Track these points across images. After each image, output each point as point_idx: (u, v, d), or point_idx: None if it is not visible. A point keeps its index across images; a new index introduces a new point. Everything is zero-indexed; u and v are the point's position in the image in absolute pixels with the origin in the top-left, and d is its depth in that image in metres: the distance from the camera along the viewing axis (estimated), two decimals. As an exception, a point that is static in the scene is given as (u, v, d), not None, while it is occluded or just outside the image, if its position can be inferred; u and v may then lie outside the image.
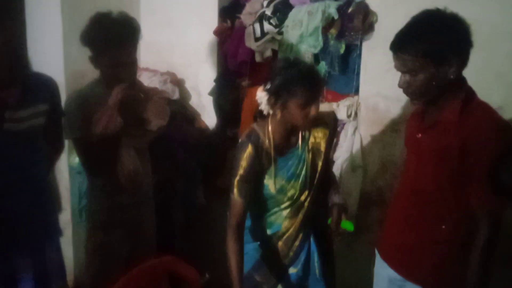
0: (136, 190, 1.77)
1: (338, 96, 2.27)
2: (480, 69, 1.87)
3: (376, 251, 1.63)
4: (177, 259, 1.49)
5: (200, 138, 2.62)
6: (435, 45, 1.28)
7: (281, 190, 1.60)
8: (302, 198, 1.63)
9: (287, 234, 1.65)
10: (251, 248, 1.66)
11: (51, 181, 2.21)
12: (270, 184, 1.59)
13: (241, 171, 1.54)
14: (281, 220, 1.64)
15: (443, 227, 1.38)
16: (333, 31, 2.10)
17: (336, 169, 2.21)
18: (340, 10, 2.11)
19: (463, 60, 1.32)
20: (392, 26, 2.10)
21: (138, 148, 1.77)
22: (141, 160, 1.80)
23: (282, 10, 2.26)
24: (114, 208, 1.78)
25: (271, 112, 1.53)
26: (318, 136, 1.63)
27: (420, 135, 1.44)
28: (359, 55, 2.18)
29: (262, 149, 1.56)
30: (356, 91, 2.25)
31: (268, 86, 1.50)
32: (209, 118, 2.71)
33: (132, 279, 1.38)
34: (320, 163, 1.64)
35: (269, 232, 1.67)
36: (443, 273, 1.40)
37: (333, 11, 2.09)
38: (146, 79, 2.61)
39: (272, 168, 1.58)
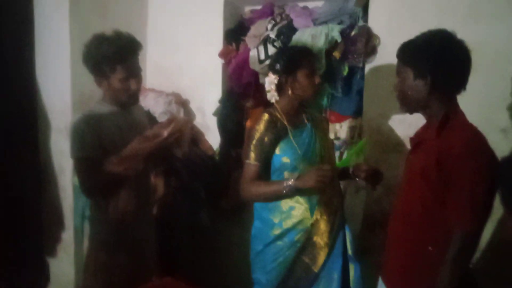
0: (130, 223, 1.76)
1: (341, 117, 2.29)
2: (484, 92, 1.89)
3: None
4: (177, 281, 1.48)
5: (204, 158, 2.63)
6: (416, 58, 1.37)
7: (303, 159, 1.71)
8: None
9: (325, 203, 1.74)
10: (293, 236, 1.72)
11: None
12: (291, 154, 1.71)
13: (258, 135, 1.71)
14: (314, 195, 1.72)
15: (430, 248, 1.37)
16: (336, 54, 2.13)
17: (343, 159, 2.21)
18: (343, 33, 2.14)
19: (441, 82, 1.36)
20: (395, 49, 2.13)
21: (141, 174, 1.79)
22: (143, 184, 1.82)
23: (286, 33, 2.30)
24: (115, 230, 1.77)
25: (277, 99, 1.76)
26: (319, 123, 1.86)
27: (411, 155, 1.47)
28: (362, 77, 2.20)
29: (277, 118, 1.74)
30: (359, 113, 2.26)
31: (277, 68, 1.73)
32: (213, 138, 2.73)
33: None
34: (328, 145, 1.84)
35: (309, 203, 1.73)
36: None
37: (336, 35, 2.13)
38: (151, 100, 2.65)
39: (290, 136, 1.72)
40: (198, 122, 2.81)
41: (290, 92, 1.72)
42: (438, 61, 1.34)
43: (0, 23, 2.36)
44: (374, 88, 2.19)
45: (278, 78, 1.72)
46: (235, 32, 2.60)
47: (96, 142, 1.65)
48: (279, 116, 1.75)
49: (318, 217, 1.71)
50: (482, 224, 1.33)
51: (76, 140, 1.68)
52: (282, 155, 1.71)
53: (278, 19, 2.38)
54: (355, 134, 2.25)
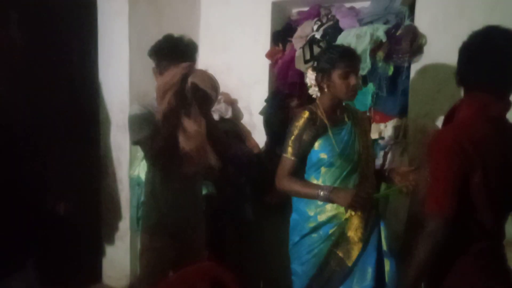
0: (197, 169, 1.92)
1: (386, 117, 2.28)
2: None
3: None
4: (218, 266, 1.56)
5: (250, 155, 2.72)
6: None
7: (341, 156, 1.76)
8: (358, 169, 1.78)
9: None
10: (327, 229, 1.78)
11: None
12: (329, 150, 1.76)
13: (296, 131, 1.78)
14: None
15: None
16: (380, 54, 2.14)
17: (383, 190, 2.22)
18: (389, 33, 2.15)
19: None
20: (441, 48, 2.13)
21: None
22: (192, 186, 1.97)
23: (332, 33, 2.34)
24: (163, 217, 1.91)
25: (319, 94, 1.83)
26: (360, 121, 1.88)
27: None
28: (408, 77, 2.19)
29: (317, 115, 1.80)
30: (404, 113, 2.25)
31: (315, 65, 1.82)
32: (260, 136, 2.82)
33: (175, 281, 1.48)
34: (368, 143, 1.85)
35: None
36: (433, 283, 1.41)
37: (381, 34, 2.14)
38: (201, 99, 2.78)
39: (329, 134, 1.77)
40: (245, 121, 2.91)
41: (326, 90, 1.78)
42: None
43: (67, 28, 2.60)
44: (420, 88, 2.17)
45: (315, 74, 1.79)
46: (282, 33, 2.68)
47: (150, 124, 1.82)
48: (319, 113, 1.80)
49: (352, 212, 1.74)
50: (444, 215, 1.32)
51: (132, 127, 1.87)
52: (320, 151, 1.77)
53: (324, 20, 2.43)
54: (400, 134, 2.25)
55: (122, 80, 2.67)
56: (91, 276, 2.96)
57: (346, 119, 1.84)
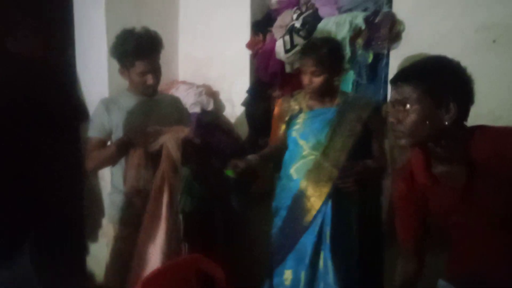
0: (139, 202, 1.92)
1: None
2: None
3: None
4: (204, 258, 1.57)
5: (233, 147, 2.71)
6: (438, 85, 1.22)
7: (301, 137, 1.92)
8: (314, 155, 1.88)
9: (307, 191, 1.88)
10: (283, 207, 1.96)
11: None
12: (296, 130, 1.95)
13: (273, 120, 2.10)
14: (302, 173, 1.89)
15: None
16: (360, 41, 2.15)
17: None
18: (368, 20, 2.16)
19: (461, 112, 1.23)
20: (419, 34, 2.15)
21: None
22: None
23: (311, 22, 2.33)
24: (129, 207, 1.95)
25: None
26: (356, 109, 1.91)
27: (470, 193, 1.26)
28: (387, 64, 2.20)
29: (292, 102, 2.02)
30: (384, 100, 2.27)
31: None
32: (242, 128, 2.81)
33: (162, 273, 1.48)
34: (349, 133, 1.87)
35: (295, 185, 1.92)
36: None
37: (360, 21, 2.15)
38: (183, 91, 2.76)
39: (302, 115, 1.96)
40: (227, 112, 2.90)
41: None
42: (458, 87, 1.22)
43: (42, 19, 2.52)
44: (399, 74, 2.18)
45: None
46: (262, 23, 2.66)
47: (104, 125, 1.90)
48: (300, 97, 2.00)
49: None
50: None
51: (90, 121, 1.95)
52: (292, 131, 1.97)
53: (303, 9, 2.42)
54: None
55: (101, 74, 2.61)
56: (75, 273, 2.92)
57: (334, 105, 1.93)
